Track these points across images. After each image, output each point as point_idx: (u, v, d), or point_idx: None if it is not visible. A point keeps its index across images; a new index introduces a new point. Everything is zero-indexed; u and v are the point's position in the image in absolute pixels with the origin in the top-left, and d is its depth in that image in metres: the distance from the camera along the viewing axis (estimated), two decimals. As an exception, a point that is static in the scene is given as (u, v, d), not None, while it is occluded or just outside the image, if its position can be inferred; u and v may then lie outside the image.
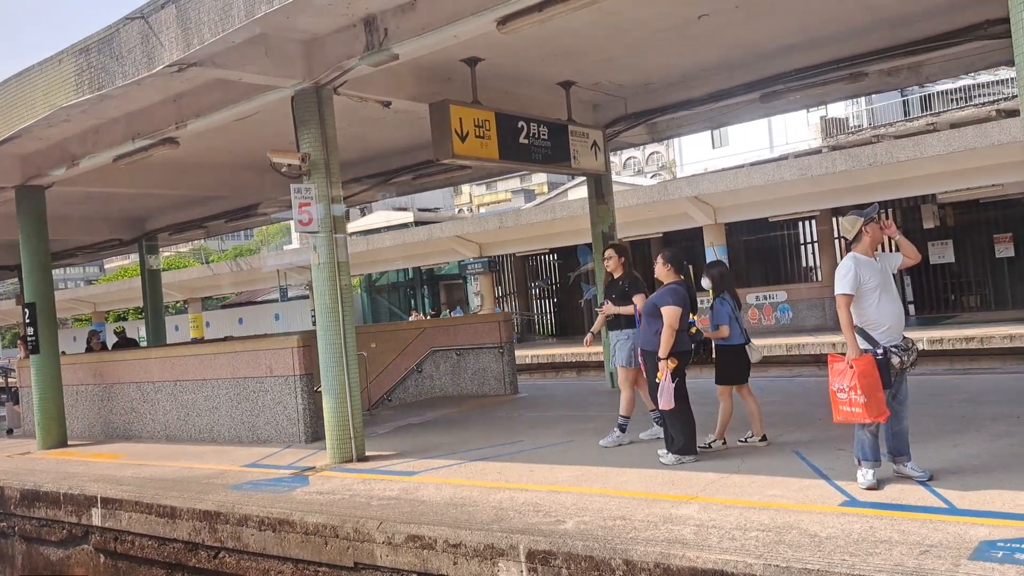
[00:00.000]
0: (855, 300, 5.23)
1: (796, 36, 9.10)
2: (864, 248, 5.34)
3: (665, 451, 6.48)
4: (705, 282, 6.98)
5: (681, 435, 6.37)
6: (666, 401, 6.23)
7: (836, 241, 22.18)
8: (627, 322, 7.39)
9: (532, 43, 8.42)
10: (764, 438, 6.80)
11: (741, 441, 6.82)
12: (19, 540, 8.67)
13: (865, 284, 5.21)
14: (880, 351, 5.14)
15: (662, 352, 6.22)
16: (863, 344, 5.20)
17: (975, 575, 3.62)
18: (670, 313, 6.26)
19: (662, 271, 6.58)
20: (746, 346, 6.75)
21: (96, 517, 7.60)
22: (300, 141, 7.86)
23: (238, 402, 9.86)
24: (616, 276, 7.58)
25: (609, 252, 7.63)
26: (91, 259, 21.84)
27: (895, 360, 5.15)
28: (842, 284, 5.23)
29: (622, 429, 7.37)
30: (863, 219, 5.34)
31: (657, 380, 6.26)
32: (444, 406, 11.23)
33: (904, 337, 5.30)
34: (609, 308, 7.49)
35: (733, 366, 6.74)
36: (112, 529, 7.49)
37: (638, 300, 7.22)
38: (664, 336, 6.23)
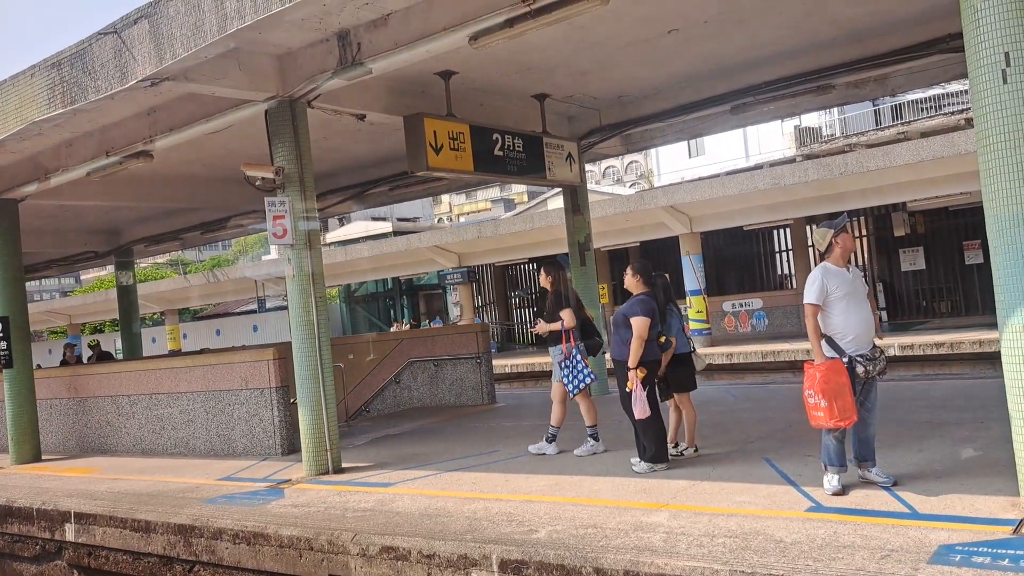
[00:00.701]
0: (823, 309, 5.35)
1: (764, 50, 9.27)
2: (835, 259, 5.46)
3: (638, 459, 6.57)
4: None
5: (653, 444, 6.45)
6: (641, 410, 6.32)
7: (810, 249, 22.47)
8: (556, 339, 7.51)
9: (505, 57, 8.52)
10: (695, 448, 6.96)
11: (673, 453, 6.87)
12: (-9, 557, 8.59)
13: (832, 294, 5.33)
14: (845, 360, 5.26)
15: (631, 362, 6.31)
16: (829, 352, 5.32)
17: (933, 578, 3.72)
18: (639, 324, 6.36)
19: (631, 282, 6.69)
20: (692, 355, 6.91)
21: (70, 532, 7.56)
22: (274, 154, 7.89)
23: (213, 415, 9.83)
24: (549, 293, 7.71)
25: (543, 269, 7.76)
26: (66, 271, 21.66)
27: (859, 369, 5.26)
28: (808, 294, 5.37)
29: (594, 439, 7.48)
30: (833, 230, 5.47)
31: (628, 389, 6.35)
32: (422, 417, 11.26)
33: (873, 346, 5.41)
34: (540, 327, 7.62)
35: (682, 374, 6.88)
36: (86, 544, 7.45)
37: (564, 316, 7.36)
38: (633, 346, 6.33)
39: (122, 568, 7.15)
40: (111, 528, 7.18)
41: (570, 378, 7.34)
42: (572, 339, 7.37)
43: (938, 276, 22.48)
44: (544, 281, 7.69)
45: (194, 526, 6.51)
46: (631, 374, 6.31)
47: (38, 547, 8.01)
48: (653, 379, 6.47)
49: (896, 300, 23.13)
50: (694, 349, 7.05)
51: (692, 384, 6.94)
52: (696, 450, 6.94)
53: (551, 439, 7.63)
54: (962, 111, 27.01)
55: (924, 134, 24.48)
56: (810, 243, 22.19)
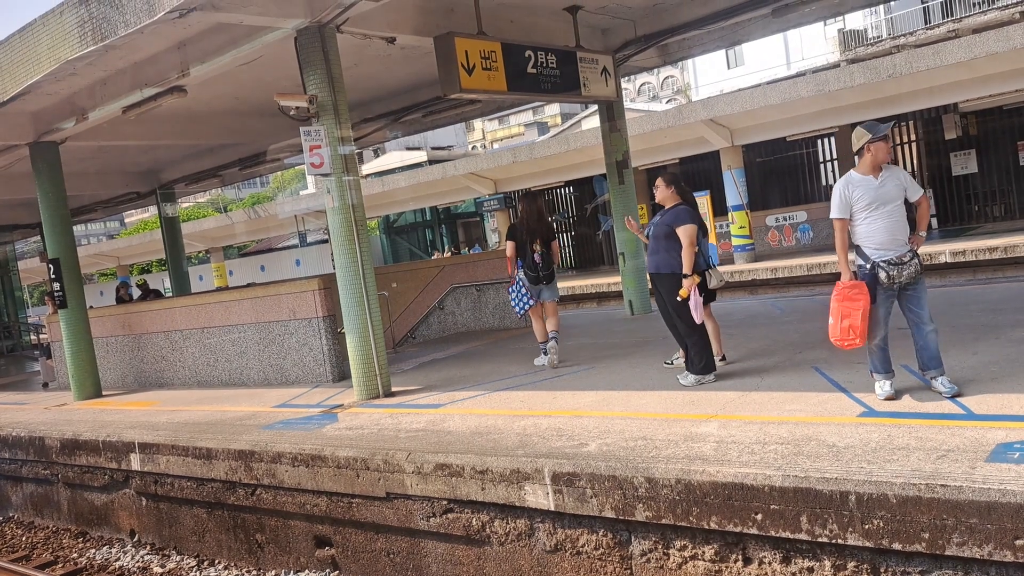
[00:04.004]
0: (850, 220, 5.23)
1: (807, -55, 8.82)
2: (863, 166, 5.30)
3: (685, 373, 6.57)
4: None
5: (701, 355, 6.45)
6: (699, 316, 6.38)
7: (856, 157, 21.81)
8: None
9: (535, -32, 8.24)
10: (723, 358, 7.01)
11: (667, 363, 7.28)
12: (63, 487, 9.00)
13: (856, 203, 5.21)
14: (869, 265, 5.16)
15: (686, 268, 6.34)
16: (856, 260, 5.23)
17: (991, 476, 3.67)
18: (690, 231, 6.39)
19: (665, 194, 6.59)
20: (706, 271, 6.79)
21: (135, 462, 7.86)
22: (306, 83, 7.80)
23: (264, 346, 10.04)
24: None
25: None
26: (110, 213, 22.04)
27: (881, 275, 5.13)
28: (832, 209, 5.32)
29: (544, 353, 8.41)
30: (871, 135, 5.26)
31: (679, 298, 6.32)
32: (467, 340, 11.37)
33: (905, 252, 5.17)
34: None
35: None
36: (151, 473, 7.75)
37: (507, 245, 8.30)
38: (686, 254, 6.37)
39: (187, 494, 7.44)
40: (174, 456, 7.44)
41: (515, 301, 8.27)
42: (516, 267, 8.23)
43: (991, 179, 21.74)
44: None
45: (254, 451, 6.71)
46: (686, 282, 6.30)
47: (107, 477, 8.35)
48: (705, 288, 6.48)
49: (947, 206, 22.46)
50: (710, 266, 6.96)
51: (713, 295, 6.94)
52: (724, 358, 6.94)
53: (545, 352, 8.42)
54: (1017, 3, 25.60)
55: (976, 31, 23.30)
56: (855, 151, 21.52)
